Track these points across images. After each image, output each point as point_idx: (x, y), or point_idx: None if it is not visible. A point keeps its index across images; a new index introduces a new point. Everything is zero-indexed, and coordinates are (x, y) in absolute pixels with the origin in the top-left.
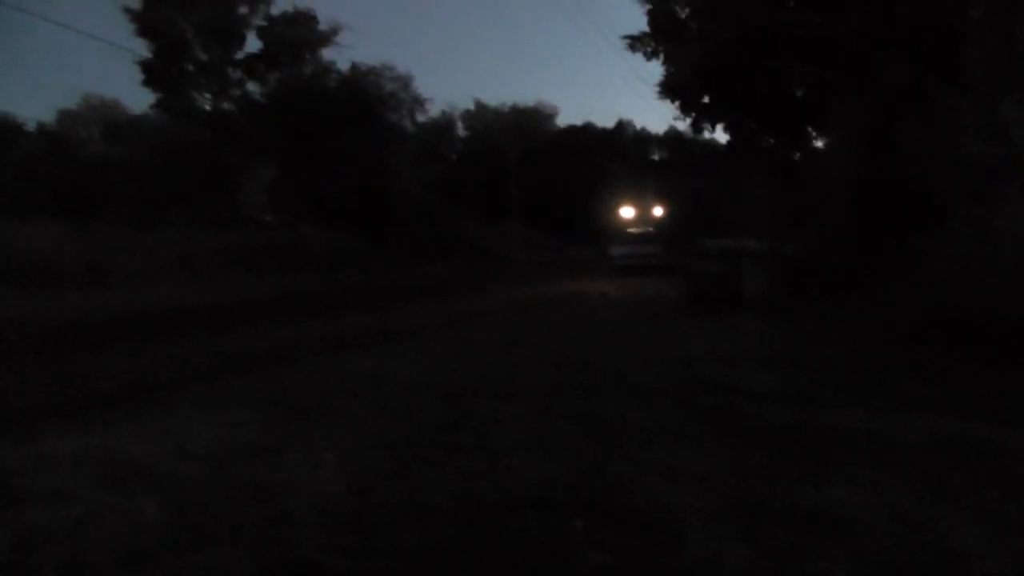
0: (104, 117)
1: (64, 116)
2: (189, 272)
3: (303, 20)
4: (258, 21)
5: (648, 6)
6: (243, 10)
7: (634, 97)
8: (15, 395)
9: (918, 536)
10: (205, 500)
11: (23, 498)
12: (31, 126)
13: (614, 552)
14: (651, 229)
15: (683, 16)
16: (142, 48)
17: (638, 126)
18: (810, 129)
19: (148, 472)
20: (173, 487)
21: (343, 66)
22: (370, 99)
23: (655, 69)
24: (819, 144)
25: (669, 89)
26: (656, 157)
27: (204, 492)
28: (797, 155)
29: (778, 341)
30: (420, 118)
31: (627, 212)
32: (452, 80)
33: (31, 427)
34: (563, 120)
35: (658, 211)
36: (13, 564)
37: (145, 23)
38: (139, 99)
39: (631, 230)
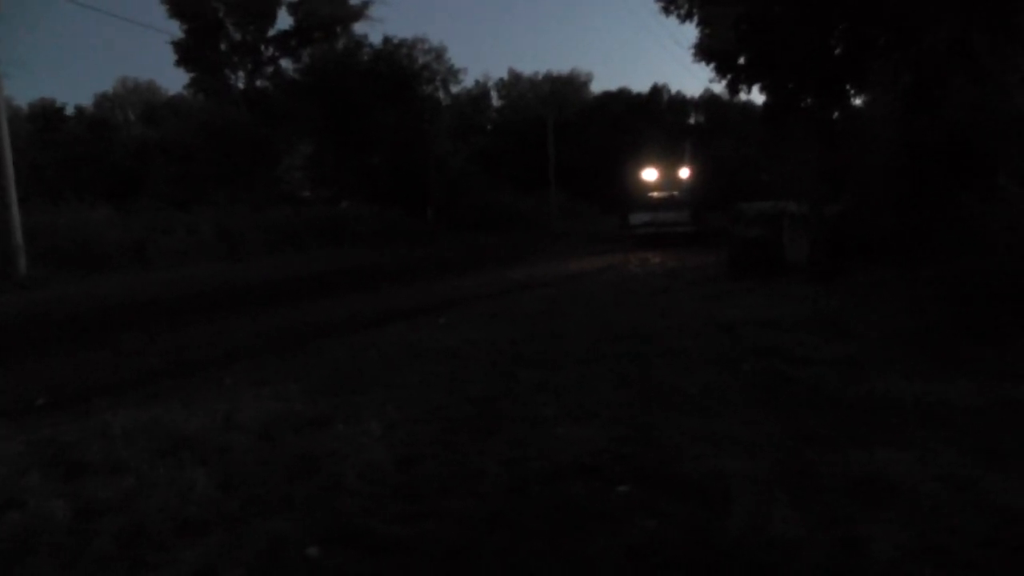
0: (141, 99)
1: (102, 99)
2: (230, 250)
3: None
4: None
5: None
6: None
7: (669, 61)
8: (68, 373)
9: (968, 498)
10: (255, 470)
11: (81, 470)
12: (70, 110)
13: (661, 518)
14: (676, 194)
15: None
16: (175, 29)
17: (673, 91)
18: (848, 87)
19: (198, 444)
20: (223, 458)
21: (375, 40)
22: (404, 72)
23: (689, 32)
24: (858, 102)
25: (704, 51)
26: (692, 121)
27: (254, 463)
28: (836, 114)
29: (822, 305)
30: (454, 89)
31: (649, 175)
32: (485, 50)
33: (85, 403)
34: (597, 87)
35: (684, 173)
36: (75, 531)
37: (178, 4)
38: (174, 80)
39: (653, 195)
